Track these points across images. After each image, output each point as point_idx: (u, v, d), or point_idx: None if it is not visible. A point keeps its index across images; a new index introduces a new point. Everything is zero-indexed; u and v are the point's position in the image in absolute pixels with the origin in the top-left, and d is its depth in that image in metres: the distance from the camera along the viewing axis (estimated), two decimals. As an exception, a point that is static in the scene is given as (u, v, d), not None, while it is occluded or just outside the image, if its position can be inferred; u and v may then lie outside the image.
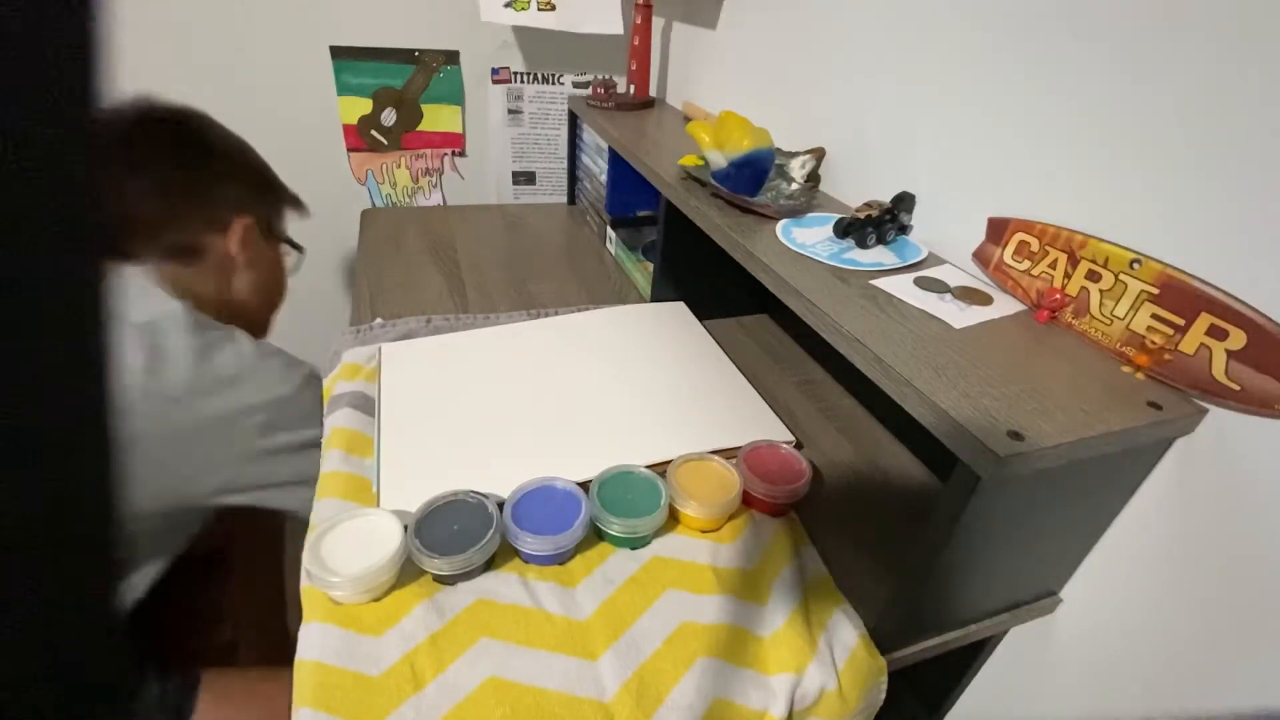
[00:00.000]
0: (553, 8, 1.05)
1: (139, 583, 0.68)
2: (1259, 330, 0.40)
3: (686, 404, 0.69)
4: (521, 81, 1.19)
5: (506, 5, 1.04)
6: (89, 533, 0.11)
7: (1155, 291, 0.45)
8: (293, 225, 1.18)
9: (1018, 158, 0.55)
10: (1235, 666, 0.45)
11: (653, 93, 1.13)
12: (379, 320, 0.82)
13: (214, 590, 0.89)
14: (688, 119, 1.04)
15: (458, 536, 0.50)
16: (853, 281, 0.55)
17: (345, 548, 0.49)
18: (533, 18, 1.05)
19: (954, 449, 0.39)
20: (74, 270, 0.10)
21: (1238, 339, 0.41)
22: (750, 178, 0.67)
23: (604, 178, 1.03)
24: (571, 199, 1.27)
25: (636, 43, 1.05)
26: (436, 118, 1.18)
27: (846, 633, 0.50)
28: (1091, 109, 0.49)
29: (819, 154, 0.69)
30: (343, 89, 1.11)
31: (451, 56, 1.14)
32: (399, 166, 1.21)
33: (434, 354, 0.74)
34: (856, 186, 0.73)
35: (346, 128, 1.15)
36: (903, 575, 0.48)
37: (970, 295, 0.54)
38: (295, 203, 0.88)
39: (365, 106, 1.13)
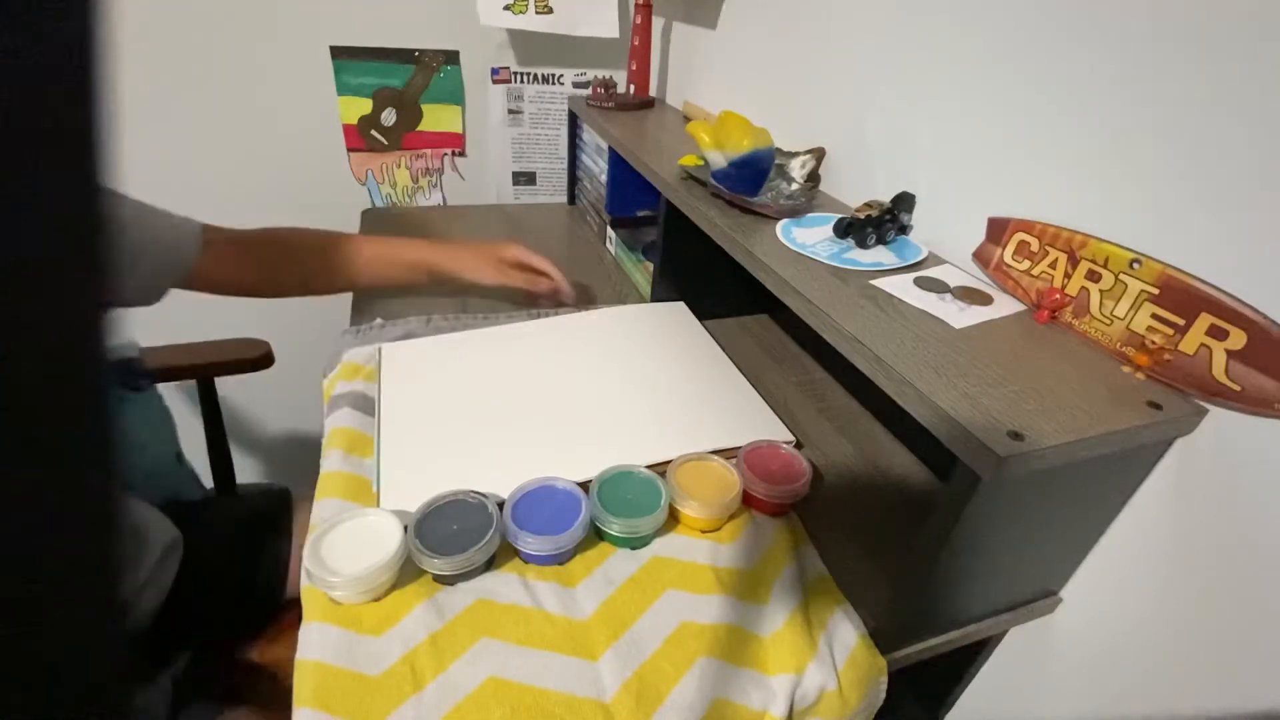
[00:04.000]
0: (550, 10, 1.07)
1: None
2: (1259, 330, 0.40)
3: (686, 404, 0.69)
4: (521, 81, 1.19)
5: (505, 8, 1.06)
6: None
7: (1155, 291, 0.45)
8: (295, 223, 1.19)
9: (1018, 158, 0.55)
10: (1235, 666, 0.45)
11: (653, 93, 1.13)
12: (379, 320, 0.82)
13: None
14: (688, 119, 1.04)
15: (458, 536, 0.50)
16: (853, 281, 0.55)
17: (345, 548, 0.49)
18: (530, 21, 1.07)
19: (954, 449, 0.39)
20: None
21: (1238, 339, 0.41)
22: (750, 178, 0.67)
23: (604, 178, 1.03)
24: (571, 199, 1.27)
25: (636, 43, 1.05)
26: (436, 118, 1.18)
27: (846, 633, 0.50)
28: (1091, 109, 0.49)
29: (819, 154, 0.69)
30: (343, 89, 1.11)
31: (451, 56, 1.14)
32: (399, 166, 1.21)
33: (434, 354, 0.74)
34: (856, 186, 0.73)
35: (346, 128, 1.15)
36: (903, 575, 0.48)
37: (970, 295, 0.54)
38: None
39: (365, 106, 1.13)
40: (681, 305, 0.88)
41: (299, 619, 0.48)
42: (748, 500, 0.59)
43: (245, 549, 0.81)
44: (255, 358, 0.95)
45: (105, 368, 0.11)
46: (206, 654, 0.73)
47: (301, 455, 1.42)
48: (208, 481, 0.96)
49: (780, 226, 0.64)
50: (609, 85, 1.08)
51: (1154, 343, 0.45)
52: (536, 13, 1.07)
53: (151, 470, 0.84)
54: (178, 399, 1.13)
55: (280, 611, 0.79)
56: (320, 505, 0.56)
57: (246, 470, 1.48)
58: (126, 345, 0.84)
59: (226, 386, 0.96)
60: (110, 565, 0.11)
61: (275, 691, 0.71)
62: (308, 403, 1.35)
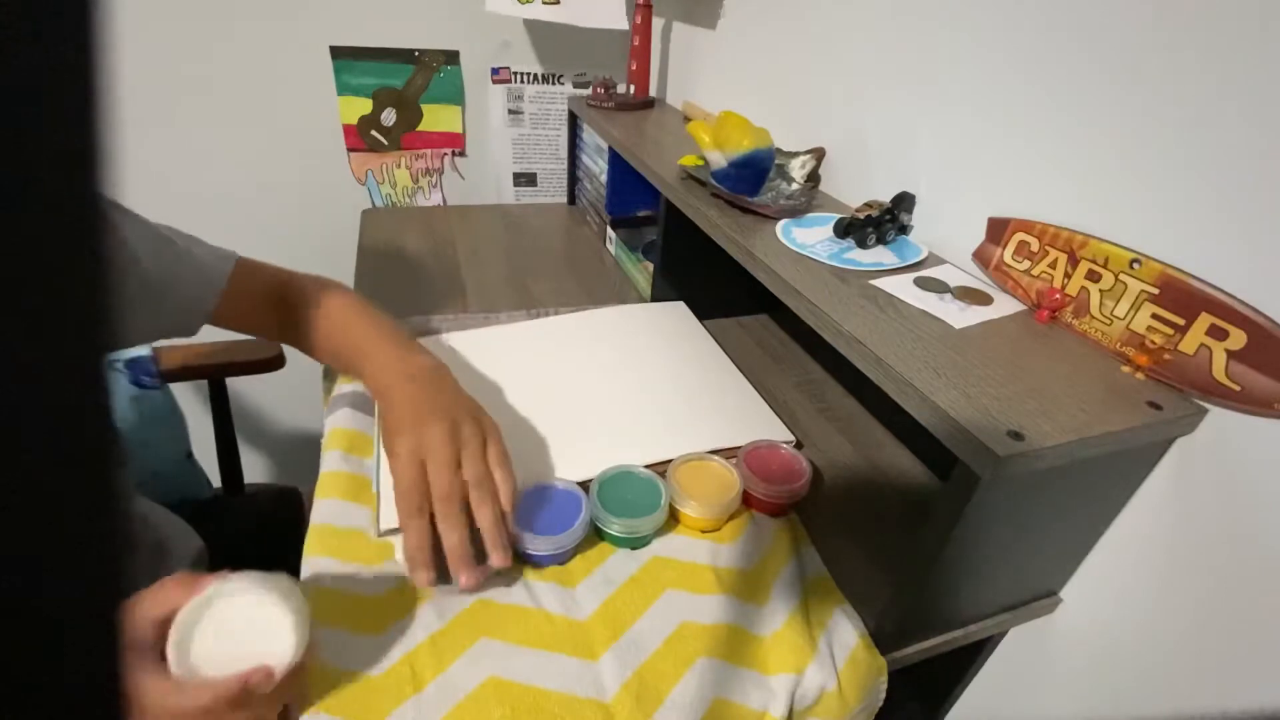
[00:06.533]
0: (558, 1, 1.03)
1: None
2: (1259, 330, 0.40)
3: (686, 404, 0.69)
4: (521, 81, 1.19)
5: None
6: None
7: (1155, 291, 0.45)
8: (295, 223, 1.19)
9: (1018, 158, 0.55)
10: (1235, 666, 0.45)
11: (653, 93, 1.13)
12: (379, 320, 0.82)
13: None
14: (688, 119, 1.04)
15: (458, 536, 0.50)
16: (853, 281, 0.55)
17: (219, 640, 0.37)
18: (537, 10, 1.03)
19: (954, 449, 0.39)
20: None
21: (1238, 339, 0.41)
22: (750, 178, 0.67)
23: (604, 178, 1.03)
24: (572, 199, 1.27)
25: (636, 43, 1.05)
26: (436, 118, 1.18)
27: (846, 633, 0.50)
28: (1092, 109, 0.49)
29: (819, 154, 0.69)
30: (343, 89, 1.11)
31: (451, 56, 1.14)
32: (399, 166, 1.21)
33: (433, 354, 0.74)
34: (856, 186, 0.73)
35: (346, 128, 1.15)
36: (903, 575, 0.48)
37: (970, 295, 0.54)
38: None
39: (365, 106, 1.14)
40: (681, 305, 0.88)
41: None
42: (748, 500, 0.59)
43: (255, 548, 0.81)
44: (267, 358, 0.94)
45: (106, 377, 0.11)
46: None
47: (307, 455, 1.42)
48: (216, 481, 0.96)
49: (780, 226, 0.64)
50: (609, 85, 1.08)
51: (1154, 343, 0.45)
52: (544, 3, 1.03)
53: (161, 469, 0.84)
54: (187, 398, 1.13)
55: None
56: (320, 505, 0.56)
57: (251, 469, 1.48)
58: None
59: (233, 385, 0.96)
60: (114, 576, 0.11)
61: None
62: (312, 402, 1.35)
